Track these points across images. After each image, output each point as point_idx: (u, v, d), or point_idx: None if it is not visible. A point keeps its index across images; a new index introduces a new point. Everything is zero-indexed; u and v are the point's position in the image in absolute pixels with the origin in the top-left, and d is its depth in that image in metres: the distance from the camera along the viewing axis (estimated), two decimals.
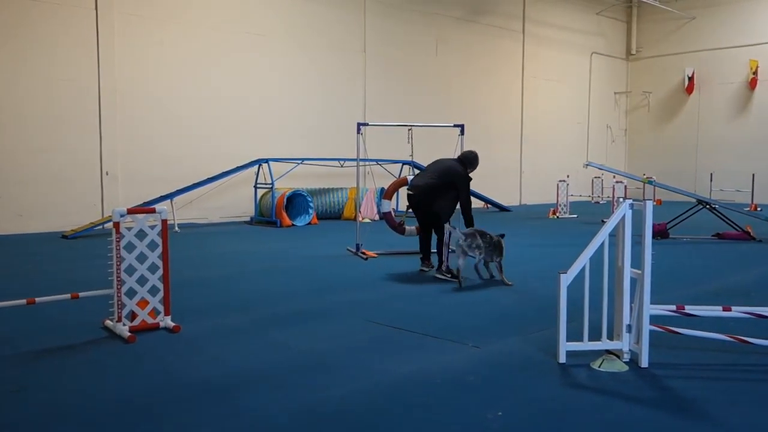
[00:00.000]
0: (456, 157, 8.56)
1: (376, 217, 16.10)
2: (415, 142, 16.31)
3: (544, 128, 24.17)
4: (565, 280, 4.50)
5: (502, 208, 20.07)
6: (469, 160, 8.42)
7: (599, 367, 4.45)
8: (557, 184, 18.16)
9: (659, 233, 12.33)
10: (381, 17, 18.86)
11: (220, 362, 4.69)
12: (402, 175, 16.11)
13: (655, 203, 24.44)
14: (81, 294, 5.41)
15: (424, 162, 17.36)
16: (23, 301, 5.21)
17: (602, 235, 4.48)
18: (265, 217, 15.17)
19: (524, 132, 23.54)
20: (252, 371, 4.48)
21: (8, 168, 12.84)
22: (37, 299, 5.29)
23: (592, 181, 23.02)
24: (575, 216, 17.79)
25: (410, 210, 8.61)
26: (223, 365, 4.62)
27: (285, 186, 15.48)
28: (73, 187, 13.64)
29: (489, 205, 20.20)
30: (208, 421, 3.61)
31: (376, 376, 4.36)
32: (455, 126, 10.67)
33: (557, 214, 17.86)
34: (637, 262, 4.48)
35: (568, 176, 19.26)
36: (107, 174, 14.09)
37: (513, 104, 23.21)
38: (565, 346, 4.57)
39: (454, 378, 4.31)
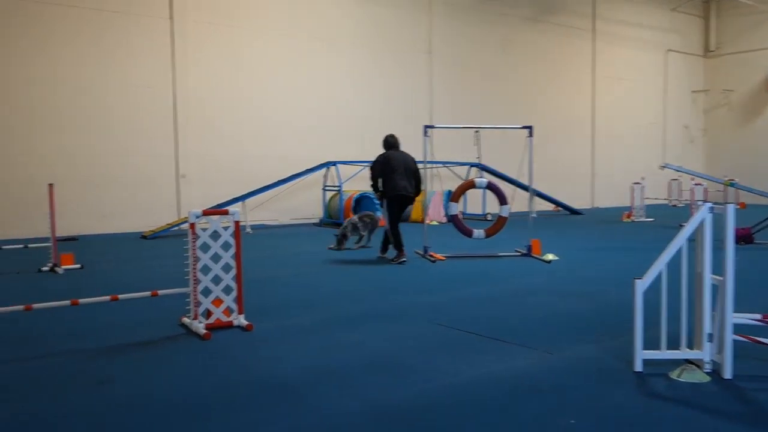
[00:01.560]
0: (395, 147, 9.86)
1: (444, 220, 16.04)
2: (483, 144, 16.25)
3: (617, 129, 23.58)
4: (641, 286, 4.37)
5: (573, 211, 19.68)
6: (399, 142, 9.96)
7: (678, 377, 4.30)
8: (632, 187, 17.68)
9: (743, 238, 11.82)
10: (447, 18, 18.81)
11: (291, 360, 4.77)
12: (469, 177, 16.00)
13: (737, 206, 23.57)
14: (160, 292, 5.61)
15: (493, 164, 17.30)
16: (107, 298, 5.44)
17: (680, 240, 4.33)
18: (333, 219, 15.33)
19: (596, 133, 23.03)
20: (322, 370, 4.54)
21: (94, 171, 13.44)
22: (120, 296, 5.51)
23: (669, 183, 22.33)
24: (651, 220, 17.26)
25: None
26: (295, 363, 4.69)
27: (353, 188, 15.61)
28: (152, 189, 14.15)
29: (559, 208, 19.85)
30: (280, 418, 3.68)
31: (445, 379, 4.34)
32: (524, 127, 10.53)
33: (632, 218, 17.38)
34: (718, 268, 4.32)
35: (643, 178, 18.71)
36: (183, 176, 14.55)
37: (584, 104, 22.74)
38: (641, 355, 4.44)
39: (525, 383, 4.25)
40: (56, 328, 5.65)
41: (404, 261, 9.59)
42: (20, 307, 5.08)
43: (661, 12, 24.79)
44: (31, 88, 12.77)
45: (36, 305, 5.17)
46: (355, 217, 11.26)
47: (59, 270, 8.60)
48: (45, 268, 8.73)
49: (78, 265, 8.88)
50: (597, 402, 3.93)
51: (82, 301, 5.32)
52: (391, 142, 9.91)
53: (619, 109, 23.63)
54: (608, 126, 23.29)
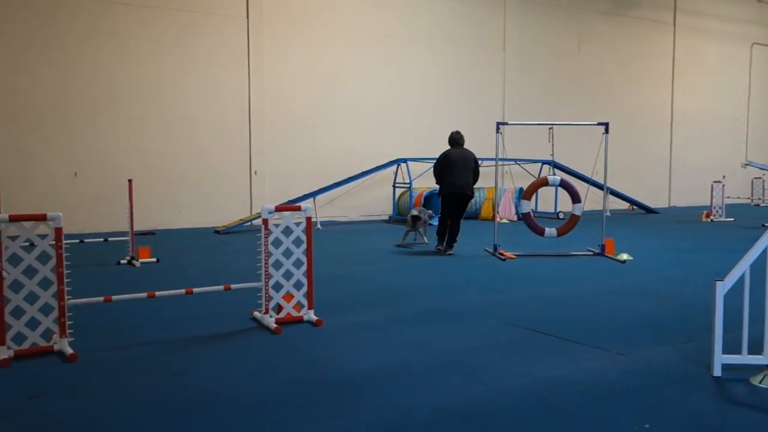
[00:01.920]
0: (459, 144, 10.16)
1: (515, 218, 15.84)
2: (556, 141, 15.95)
3: (697, 125, 22.72)
4: (722, 288, 4.20)
5: (648, 210, 19.09)
6: (463, 139, 10.23)
7: (760, 383, 4.11)
8: (711, 185, 16.99)
9: None
10: (522, 14, 18.54)
11: (359, 356, 4.80)
12: (542, 175, 15.73)
13: None
14: (233, 286, 5.75)
15: (567, 162, 16.96)
16: (182, 291, 5.61)
17: (765, 241, 4.14)
18: (403, 216, 15.36)
19: (675, 129, 22.26)
20: (390, 367, 4.55)
21: (171, 167, 13.89)
22: (194, 289, 5.68)
23: (752, 182, 21.34)
24: (732, 220, 16.56)
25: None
26: (363, 360, 4.72)
27: (423, 185, 15.60)
28: (226, 185, 14.53)
29: (634, 207, 19.29)
30: (347, 414, 3.71)
31: (514, 379, 4.28)
32: (599, 124, 10.27)
33: (711, 218, 16.71)
34: None
35: (724, 176, 17.97)
36: (256, 173, 14.87)
37: (662, 100, 22.01)
38: (720, 359, 4.27)
39: (597, 386, 4.15)
40: (133, 320, 5.87)
41: (443, 252, 10.25)
42: (99, 299, 5.29)
43: (746, 3, 23.72)
44: (113, 87, 13.31)
45: (115, 297, 5.38)
46: (415, 210, 11.12)
47: (136, 263, 8.93)
48: (123, 261, 9.08)
49: (154, 259, 9.19)
50: (672, 407, 3.80)
51: (158, 293, 5.51)
52: (454, 139, 10.21)
53: (699, 105, 22.76)
54: (688, 122, 22.47)
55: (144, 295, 5.44)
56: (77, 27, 12.90)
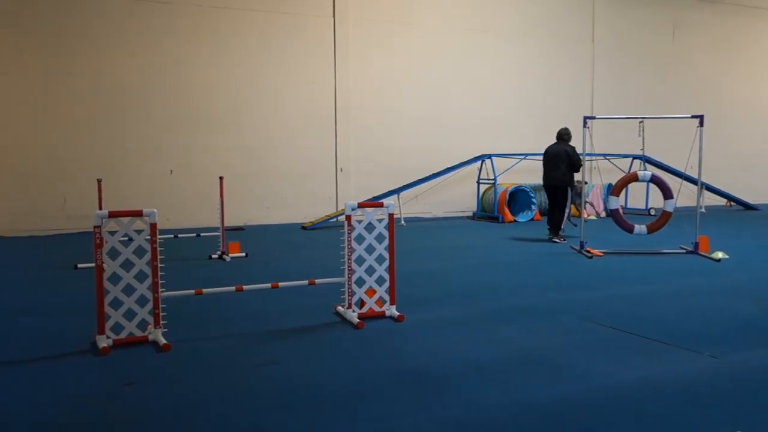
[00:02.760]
0: (561, 140, 11.25)
1: (603, 214, 15.42)
2: (647, 135, 15.37)
3: None
4: None
5: (747, 206, 18.16)
6: (569, 136, 11.30)
7: None
8: None
9: None
10: (611, 3, 17.98)
11: (441, 352, 4.82)
12: (632, 170, 15.24)
13: None
14: (317, 281, 5.89)
15: (658, 156, 16.38)
16: (268, 285, 5.79)
17: None
18: (487, 212, 15.24)
19: None
20: (472, 363, 4.55)
21: (259, 164, 14.30)
22: (280, 284, 5.84)
23: None
24: None
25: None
26: (444, 355, 4.74)
27: (508, 181, 15.41)
28: (312, 182, 14.82)
29: (732, 203, 18.39)
30: (428, 408, 3.74)
31: (599, 379, 4.20)
32: (693, 117, 9.86)
33: None
34: None
35: None
36: (341, 170, 15.10)
37: (763, 90, 20.84)
38: None
39: (686, 389, 4.01)
40: (223, 312, 6.10)
41: (555, 241, 11.09)
42: (191, 292, 5.53)
43: None
44: (208, 87, 13.83)
45: (206, 290, 5.62)
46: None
47: (227, 258, 9.25)
48: (214, 256, 9.42)
49: (243, 254, 9.50)
50: (766, 414, 3.63)
51: (246, 287, 5.71)
52: (558, 134, 11.40)
53: None
54: None
55: (233, 288, 5.66)
56: (179, 29, 13.48)
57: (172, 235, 10.06)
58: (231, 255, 9.34)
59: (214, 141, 13.91)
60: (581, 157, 10.54)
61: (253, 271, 8.34)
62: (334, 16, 14.76)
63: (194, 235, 10.54)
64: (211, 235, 10.15)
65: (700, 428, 3.45)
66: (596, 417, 3.61)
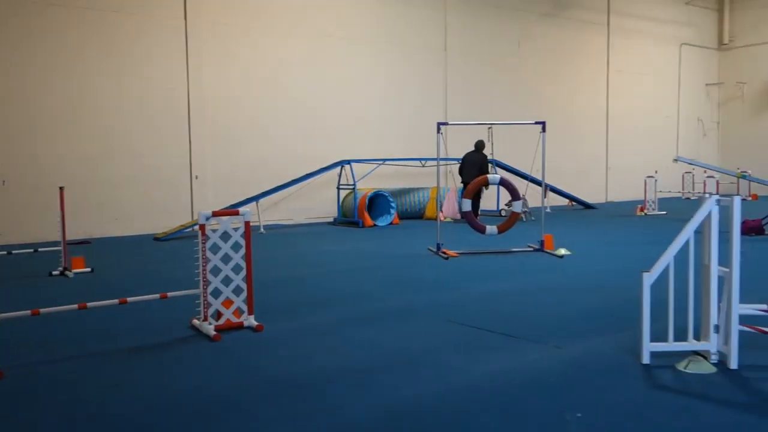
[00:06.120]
0: (477, 150, 14.71)
1: (458, 217, 16.03)
2: (496, 140, 16.21)
3: (631, 123, 23.42)
4: (649, 279, 4.36)
5: (587, 206, 19.58)
6: (483, 146, 14.78)
7: (685, 368, 4.28)
8: (645, 180, 17.55)
9: (753, 229, 11.73)
10: (462, 15, 18.77)
11: (301, 360, 4.79)
12: (477, 172, 15.95)
13: (750, 198, 23.11)
14: (169, 294, 5.65)
15: (507, 160, 17.27)
16: (116, 301, 5.48)
17: (687, 233, 4.32)
18: (348, 217, 15.37)
19: (610, 127, 22.89)
20: (332, 369, 4.56)
21: (108, 173, 13.54)
22: (129, 299, 5.55)
23: (683, 176, 22.15)
24: (664, 213, 17.13)
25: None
26: (305, 363, 4.72)
27: (367, 187, 15.64)
28: (166, 191, 14.25)
29: (573, 203, 19.75)
30: (290, 417, 3.70)
31: (455, 376, 4.35)
32: (537, 123, 10.49)
33: (645, 211, 17.25)
34: (724, 259, 4.29)
35: (656, 172, 18.57)
36: (197, 178, 14.64)
37: (598, 99, 22.60)
38: (648, 347, 4.43)
39: (533, 378, 4.25)
40: (66, 333, 5.69)
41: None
42: (26, 312, 5.07)
43: (675, 5, 24.57)
44: (45, 90, 12.91)
45: (43, 310, 5.15)
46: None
47: (70, 274, 8.66)
48: (55, 272, 8.78)
49: (89, 269, 8.94)
50: (604, 395, 3.92)
51: (90, 304, 5.36)
52: (476, 145, 14.77)
53: (633, 103, 23.46)
54: (622, 120, 23.14)
55: (75, 306, 5.29)
56: (7, 28, 12.46)
57: (5, 252, 9.26)
58: (75, 271, 8.74)
59: (54, 149, 12.97)
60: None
61: (100, 286, 7.86)
62: (185, 19, 14.30)
63: (32, 250, 9.75)
64: (52, 249, 9.41)
65: (545, 413, 3.66)
66: (453, 412, 3.74)
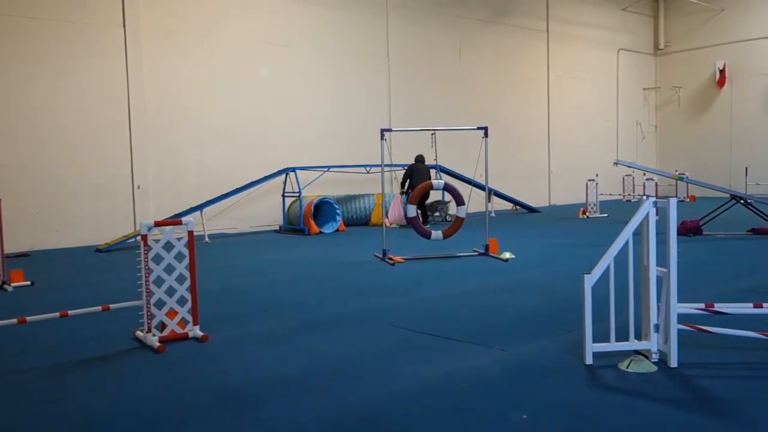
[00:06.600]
0: (420, 161, 15.52)
1: (404, 222, 16.09)
2: (440, 146, 16.35)
3: (572, 127, 23.97)
4: (589, 280, 4.46)
5: (530, 210, 19.93)
6: (424, 158, 15.58)
7: (627, 367, 4.40)
8: (586, 184, 17.98)
9: (691, 230, 12.13)
10: (404, 21, 18.90)
11: (248, 369, 4.74)
12: (426, 180, 16.07)
13: (688, 200, 23.85)
14: (111, 306, 5.52)
15: (450, 165, 17.45)
16: (56, 314, 5.32)
17: (626, 235, 4.44)
18: (293, 225, 15.27)
19: (552, 132, 23.37)
20: (280, 378, 4.52)
21: (46, 183, 13.13)
22: (70, 312, 5.39)
23: (623, 179, 22.75)
24: (605, 215, 17.59)
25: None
26: (252, 372, 4.67)
27: (313, 194, 15.58)
28: (107, 201, 13.90)
29: (517, 207, 20.08)
30: (237, 428, 3.65)
31: (402, 381, 4.37)
32: (479, 128, 10.63)
33: (587, 214, 17.67)
34: (663, 260, 4.43)
35: (597, 175, 19.04)
36: (139, 187, 14.33)
37: (539, 104, 23.06)
38: (591, 348, 4.53)
39: (479, 381, 4.30)
40: (5, 347, 5.50)
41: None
42: None
43: (612, 12, 25.29)
44: None
45: None
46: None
47: (8, 288, 8.37)
48: None
49: (28, 282, 8.66)
50: (548, 396, 4.00)
51: (30, 318, 5.20)
52: (420, 158, 15.48)
53: (573, 108, 24.02)
54: (563, 124, 23.66)
55: (14, 321, 5.12)
56: None
57: None
58: (14, 284, 8.46)
59: None
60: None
61: (40, 300, 7.62)
62: (124, 27, 14.00)
63: None
64: None
65: (491, 415, 3.71)
66: (401, 417, 3.75)
